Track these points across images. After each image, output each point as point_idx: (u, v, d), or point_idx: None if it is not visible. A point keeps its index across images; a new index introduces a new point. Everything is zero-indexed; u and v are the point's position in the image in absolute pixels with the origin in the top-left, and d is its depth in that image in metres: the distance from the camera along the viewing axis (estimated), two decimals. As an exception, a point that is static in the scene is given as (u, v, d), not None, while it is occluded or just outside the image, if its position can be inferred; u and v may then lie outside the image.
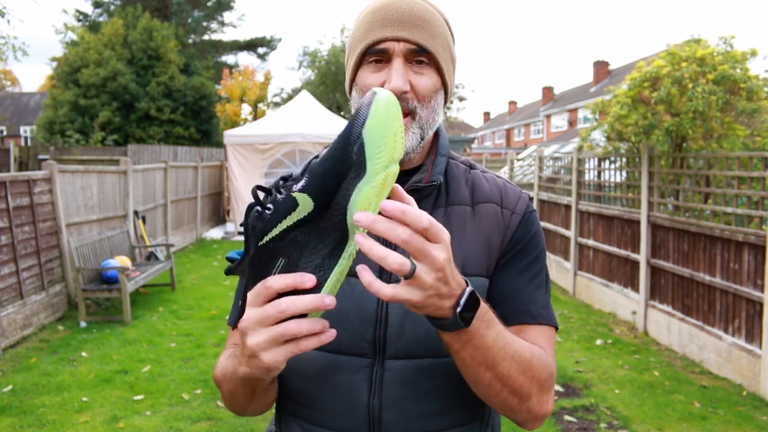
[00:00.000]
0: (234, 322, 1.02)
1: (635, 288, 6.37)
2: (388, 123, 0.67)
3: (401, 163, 0.96)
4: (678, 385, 4.70)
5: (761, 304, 4.43)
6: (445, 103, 1.04)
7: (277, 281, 0.70)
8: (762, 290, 4.42)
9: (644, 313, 6.12)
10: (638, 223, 6.26)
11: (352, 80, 1.02)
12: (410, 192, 0.99)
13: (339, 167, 0.68)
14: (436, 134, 1.08)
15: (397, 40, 0.94)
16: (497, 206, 1.03)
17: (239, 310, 1.02)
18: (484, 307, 0.79)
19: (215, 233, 13.10)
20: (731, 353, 4.78)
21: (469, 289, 0.75)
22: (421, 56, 0.95)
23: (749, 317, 4.62)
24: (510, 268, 1.00)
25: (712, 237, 5.07)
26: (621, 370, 5.04)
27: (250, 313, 0.72)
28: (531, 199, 1.10)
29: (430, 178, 1.01)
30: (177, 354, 5.33)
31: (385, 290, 0.68)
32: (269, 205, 0.71)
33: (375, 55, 0.96)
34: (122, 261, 6.72)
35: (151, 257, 8.56)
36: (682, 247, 5.54)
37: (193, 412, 4.13)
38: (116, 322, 6.27)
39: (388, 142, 0.66)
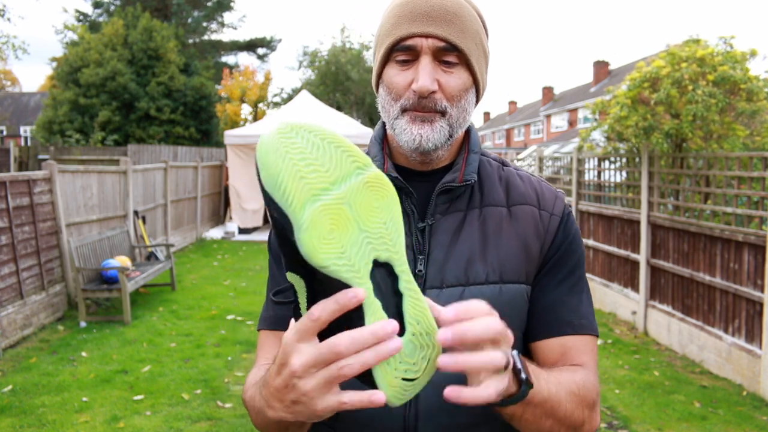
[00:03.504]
0: (268, 325, 1.01)
1: (635, 288, 6.37)
2: (279, 163, 0.61)
3: (430, 161, 0.94)
4: (678, 385, 4.70)
5: (761, 304, 4.43)
6: (478, 100, 0.98)
7: (325, 310, 0.62)
8: (762, 290, 4.42)
9: (644, 313, 6.12)
10: (638, 223, 6.26)
11: (379, 76, 0.97)
12: (442, 192, 0.95)
13: (281, 232, 0.65)
14: (467, 132, 1.03)
15: (426, 36, 0.89)
16: (535, 208, 0.98)
17: (274, 309, 1.00)
18: (524, 359, 0.76)
19: (215, 233, 13.09)
20: (731, 353, 4.78)
21: (514, 351, 0.72)
22: (450, 54, 0.90)
23: (749, 317, 4.62)
24: (552, 276, 0.96)
25: (712, 237, 5.07)
26: (621, 370, 5.04)
27: (303, 355, 0.63)
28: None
29: (464, 177, 0.95)
30: (177, 354, 5.33)
31: (486, 392, 0.66)
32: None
33: (402, 52, 0.90)
34: (122, 261, 6.71)
35: (151, 257, 8.56)
36: (682, 247, 5.54)
37: (193, 412, 4.13)
38: (116, 322, 6.27)
39: (286, 182, 0.61)
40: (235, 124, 23.38)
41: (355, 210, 0.63)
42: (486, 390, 0.64)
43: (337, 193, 0.63)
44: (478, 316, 0.65)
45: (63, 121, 19.80)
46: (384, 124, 1.01)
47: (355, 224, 0.63)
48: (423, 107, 0.89)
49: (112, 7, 25.92)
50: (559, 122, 35.35)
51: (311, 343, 0.63)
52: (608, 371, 4.99)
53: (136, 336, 5.82)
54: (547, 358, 0.92)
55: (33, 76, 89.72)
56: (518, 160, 12.54)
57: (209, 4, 28.61)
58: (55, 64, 25.13)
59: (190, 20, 28.10)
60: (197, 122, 21.56)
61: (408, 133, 0.90)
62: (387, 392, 0.64)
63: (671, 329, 5.65)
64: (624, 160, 6.99)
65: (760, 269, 4.46)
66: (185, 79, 21.06)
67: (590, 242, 7.44)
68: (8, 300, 5.53)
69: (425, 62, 0.89)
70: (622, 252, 6.63)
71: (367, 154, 1.01)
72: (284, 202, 0.61)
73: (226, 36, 30.47)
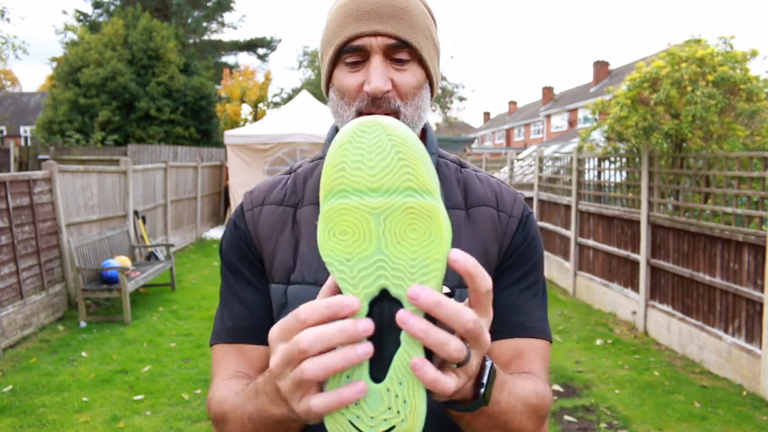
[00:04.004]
0: (226, 338, 0.94)
1: (635, 288, 6.37)
2: (334, 149, 0.60)
3: None
4: (678, 385, 4.70)
5: (761, 304, 4.43)
6: (432, 95, 0.95)
7: (313, 312, 0.57)
8: (762, 290, 4.42)
9: (644, 313, 6.13)
10: (638, 223, 6.26)
11: (329, 80, 0.93)
12: None
13: None
14: (423, 131, 0.99)
15: (375, 35, 0.85)
16: (493, 209, 0.95)
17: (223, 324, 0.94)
18: (499, 371, 0.72)
19: (215, 233, 13.10)
20: (731, 353, 4.78)
21: (489, 363, 0.68)
22: (401, 51, 0.87)
23: (749, 317, 4.62)
24: (507, 277, 0.93)
25: (712, 237, 5.07)
26: (621, 370, 5.04)
27: (277, 354, 0.59)
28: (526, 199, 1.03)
29: None
30: (177, 354, 5.33)
31: (446, 381, 0.57)
32: None
33: (351, 53, 0.87)
34: (122, 261, 6.72)
35: (151, 257, 8.56)
36: (682, 247, 5.54)
37: (193, 412, 4.13)
38: (116, 322, 6.27)
39: (329, 168, 0.60)
40: (235, 124, 23.36)
41: (384, 228, 0.58)
42: (447, 380, 0.57)
43: (370, 201, 0.58)
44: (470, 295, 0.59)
45: (63, 121, 19.80)
46: (337, 128, 0.98)
47: (376, 241, 0.58)
48: (378, 108, 0.86)
49: (112, 7, 25.92)
50: (559, 122, 35.36)
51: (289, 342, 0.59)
52: (608, 371, 4.99)
53: (136, 336, 5.82)
54: (498, 360, 0.89)
55: (33, 76, 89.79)
56: (518, 160, 12.54)
57: (209, 4, 28.61)
58: (55, 64, 25.13)
59: (190, 20, 28.10)
60: (197, 122, 21.56)
61: None
62: (328, 423, 0.59)
63: (671, 329, 5.65)
64: (624, 160, 7.00)
65: (760, 269, 4.47)
66: (185, 79, 21.07)
67: (590, 242, 7.44)
68: (8, 300, 5.53)
69: (376, 62, 0.86)
70: (622, 252, 6.63)
71: (321, 158, 1.00)
72: (321, 184, 0.61)
73: (226, 36, 30.51)
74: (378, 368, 0.59)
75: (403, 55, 0.87)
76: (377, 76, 0.85)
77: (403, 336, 0.57)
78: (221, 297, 0.98)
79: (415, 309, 0.57)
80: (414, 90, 0.89)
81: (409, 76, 0.88)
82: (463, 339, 0.58)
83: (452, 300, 0.56)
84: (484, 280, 0.57)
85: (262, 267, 0.94)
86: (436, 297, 0.55)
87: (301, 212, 0.94)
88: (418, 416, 0.58)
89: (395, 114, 0.87)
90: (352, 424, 0.58)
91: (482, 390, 0.66)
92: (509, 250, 0.94)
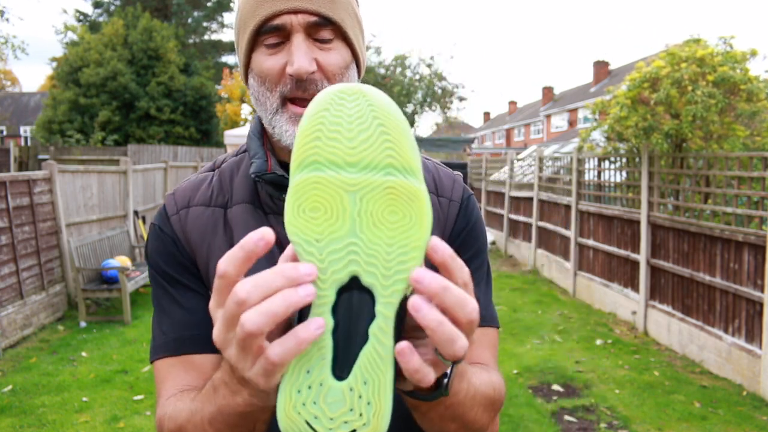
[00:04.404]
0: (170, 350, 0.83)
1: (635, 288, 6.37)
2: (309, 116, 0.54)
3: None
4: (678, 385, 4.70)
5: (761, 304, 4.43)
6: (359, 76, 0.89)
7: (230, 261, 0.51)
8: (762, 290, 4.42)
9: (644, 313, 6.13)
10: (638, 223, 6.26)
11: (247, 65, 0.85)
12: None
13: None
14: None
15: (295, 12, 0.78)
16: (433, 195, 0.89)
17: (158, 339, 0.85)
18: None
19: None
20: (731, 353, 4.78)
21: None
22: (324, 28, 0.80)
23: (749, 317, 4.62)
24: None
25: (712, 237, 5.07)
26: (621, 370, 5.04)
27: (217, 320, 0.53)
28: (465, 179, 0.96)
29: None
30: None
31: (427, 372, 0.53)
32: None
33: (270, 34, 0.79)
34: (122, 261, 6.72)
35: (151, 257, 8.56)
36: (682, 247, 5.54)
37: (193, 412, 4.13)
38: (116, 322, 6.27)
39: (301, 136, 0.54)
40: (235, 124, 23.36)
41: (360, 208, 0.53)
42: (429, 371, 0.52)
43: (346, 176, 0.53)
44: (466, 288, 0.53)
45: (63, 121, 19.82)
46: (260, 118, 0.89)
47: (350, 222, 0.52)
48: (304, 91, 0.79)
49: (112, 7, 25.94)
50: (559, 122, 35.36)
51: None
52: (608, 371, 4.99)
53: (136, 336, 5.82)
54: None
55: (33, 76, 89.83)
56: (518, 160, 12.52)
57: (209, 4, 28.62)
58: (55, 64, 25.13)
59: (190, 20, 28.11)
60: (197, 122, 21.57)
61: (291, 135, 0.80)
62: (281, 421, 0.53)
63: (671, 329, 5.65)
64: (624, 160, 7.00)
65: (760, 269, 4.47)
66: (185, 79, 21.08)
67: (590, 242, 7.44)
68: (8, 300, 5.53)
69: (298, 41, 0.78)
70: (622, 252, 6.63)
71: (245, 151, 0.93)
72: (293, 151, 0.54)
73: (226, 36, 30.49)
74: (341, 365, 0.53)
75: (327, 34, 0.80)
76: (300, 55, 0.78)
77: (372, 330, 0.52)
78: (157, 307, 0.88)
79: (386, 302, 0.52)
80: (341, 70, 0.82)
81: (335, 55, 0.81)
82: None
83: (457, 286, 0.51)
84: (461, 272, 0.53)
85: (197, 271, 0.86)
86: (443, 281, 0.50)
87: (231, 212, 0.87)
88: (382, 420, 0.53)
89: None
90: (308, 424, 0.53)
91: (445, 380, 0.62)
92: (451, 237, 0.89)
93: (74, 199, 7.06)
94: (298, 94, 0.80)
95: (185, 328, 0.83)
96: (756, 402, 4.35)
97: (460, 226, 0.90)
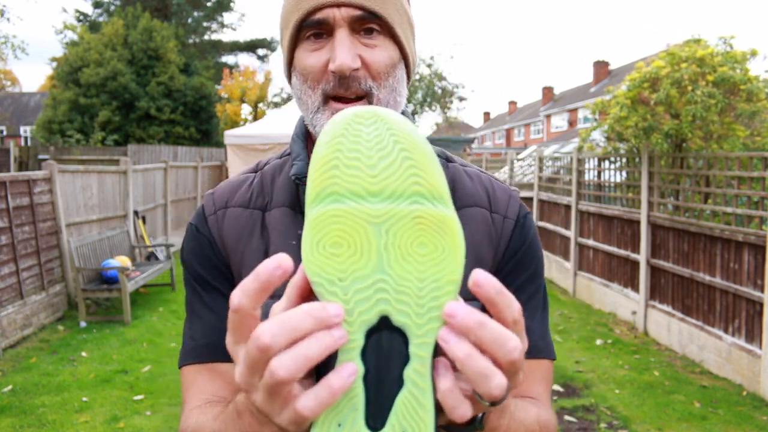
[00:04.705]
0: (196, 357, 0.82)
1: (635, 288, 6.37)
2: (323, 142, 0.50)
3: None
4: (678, 385, 4.70)
5: (761, 304, 4.43)
6: (409, 79, 0.84)
7: (244, 293, 0.46)
8: (762, 290, 4.42)
9: (644, 313, 6.13)
10: (638, 223, 6.27)
11: (290, 62, 0.81)
12: None
13: None
14: None
15: (338, 5, 0.75)
16: (485, 210, 0.84)
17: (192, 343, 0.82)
18: None
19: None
20: (731, 353, 4.78)
21: None
22: (370, 23, 0.76)
23: (749, 317, 4.62)
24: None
25: (712, 237, 5.07)
26: (621, 370, 5.04)
27: (239, 362, 0.49)
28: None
29: None
30: (177, 354, 5.33)
31: (464, 406, 0.47)
32: None
33: (313, 28, 0.76)
34: (122, 261, 6.72)
35: (151, 257, 8.56)
36: (682, 247, 5.54)
37: (193, 412, 4.13)
38: (116, 322, 6.27)
39: (317, 165, 0.49)
40: (235, 124, 23.37)
41: (386, 241, 0.48)
42: (467, 409, 0.47)
43: (369, 207, 0.48)
44: (512, 326, 0.48)
45: (63, 121, 19.82)
46: (304, 120, 0.86)
47: (376, 257, 0.48)
48: (347, 89, 0.75)
49: (112, 7, 25.93)
50: (559, 122, 35.36)
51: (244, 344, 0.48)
52: (608, 371, 4.99)
53: (136, 336, 5.82)
54: None
55: (33, 76, 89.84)
56: (518, 160, 12.53)
57: (209, 4, 28.62)
58: (55, 64, 25.13)
59: (190, 20, 28.11)
60: (197, 122, 21.57)
61: None
62: None
63: (671, 329, 5.65)
64: (624, 160, 7.00)
65: (760, 269, 4.47)
66: (185, 79, 21.08)
67: (590, 242, 7.44)
68: (8, 300, 5.53)
69: (342, 36, 0.74)
70: (622, 252, 6.63)
71: (288, 154, 0.90)
72: (308, 181, 0.50)
73: (226, 36, 30.53)
74: (375, 414, 0.48)
75: (373, 29, 0.77)
76: (343, 51, 0.74)
77: (407, 374, 0.48)
78: (189, 311, 0.85)
79: (421, 342, 0.47)
80: (387, 69, 0.77)
81: (381, 52, 0.77)
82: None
83: (496, 322, 0.46)
84: (510, 309, 0.47)
85: (231, 275, 0.83)
86: (480, 316, 0.45)
87: (270, 215, 0.83)
88: None
89: (367, 96, 0.77)
90: None
91: (480, 414, 0.57)
92: (505, 257, 0.83)
93: (74, 199, 7.06)
94: (340, 92, 0.76)
95: (214, 335, 0.81)
96: (756, 402, 4.35)
97: (514, 246, 0.84)
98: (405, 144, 0.49)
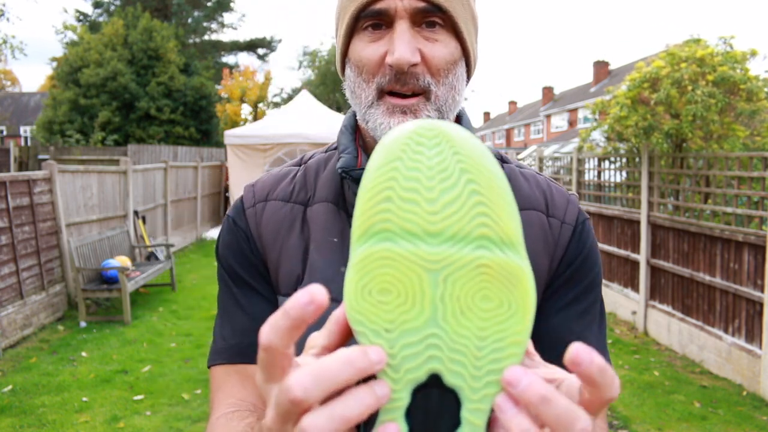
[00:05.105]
0: (227, 358, 0.80)
1: (635, 288, 6.37)
2: (377, 164, 0.43)
3: None
4: (678, 385, 4.70)
5: (761, 304, 4.43)
6: (469, 78, 0.79)
7: (274, 332, 0.39)
8: (762, 290, 4.42)
9: (644, 313, 6.13)
10: (638, 223, 6.27)
11: (344, 54, 0.77)
12: None
13: None
14: (458, 118, 0.82)
15: None
16: (542, 214, 0.79)
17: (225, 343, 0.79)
18: None
19: (215, 233, 13.10)
20: (731, 353, 4.78)
21: None
22: (433, 16, 0.72)
23: (749, 317, 4.62)
24: (559, 297, 0.77)
25: (712, 237, 5.07)
26: (621, 370, 5.04)
27: (270, 405, 0.43)
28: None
29: None
30: (177, 354, 5.33)
31: None
32: None
33: (372, 18, 0.72)
34: (122, 261, 6.72)
35: (151, 257, 8.56)
36: (682, 247, 5.54)
37: (193, 412, 4.13)
38: (116, 322, 6.27)
39: (368, 190, 0.42)
40: (235, 124, 23.38)
41: (444, 291, 0.42)
42: None
43: (426, 250, 0.41)
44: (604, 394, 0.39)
45: (63, 121, 19.83)
46: (354, 114, 0.82)
47: (430, 308, 0.42)
48: (403, 84, 0.71)
49: (112, 7, 25.93)
50: (559, 122, 35.37)
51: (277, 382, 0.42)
52: (608, 371, 4.99)
53: (136, 336, 5.82)
54: None
55: (33, 76, 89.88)
56: (518, 160, 12.58)
57: (209, 4, 28.62)
58: (55, 64, 25.14)
59: (190, 20, 28.11)
60: (197, 122, 21.58)
61: (386, 129, 0.71)
62: None
63: (671, 329, 5.66)
64: (624, 160, 7.00)
65: (760, 269, 4.47)
66: (185, 79, 21.09)
67: (590, 242, 7.44)
68: (8, 300, 5.53)
69: (402, 28, 0.70)
70: (622, 252, 6.63)
71: (335, 148, 0.86)
72: (355, 213, 0.43)
73: (226, 36, 30.54)
74: None
75: (435, 22, 0.72)
76: (402, 45, 0.69)
77: None
78: (220, 308, 0.83)
79: (475, 408, 0.41)
80: (448, 65, 0.73)
81: (442, 48, 0.73)
82: None
83: (563, 396, 0.40)
84: (610, 389, 0.39)
85: (267, 272, 0.80)
86: (545, 390, 0.38)
87: (311, 210, 0.80)
88: None
89: (424, 93, 0.72)
90: None
91: None
92: (562, 265, 0.79)
93: (74, 199, 7.06)
94: (396, 87, 0.72)
95: (245, 335, 0.78)
96: (756, 402, 4.35)
97: (572, 254, 0.79)
98: (473, 173, 0.42)
